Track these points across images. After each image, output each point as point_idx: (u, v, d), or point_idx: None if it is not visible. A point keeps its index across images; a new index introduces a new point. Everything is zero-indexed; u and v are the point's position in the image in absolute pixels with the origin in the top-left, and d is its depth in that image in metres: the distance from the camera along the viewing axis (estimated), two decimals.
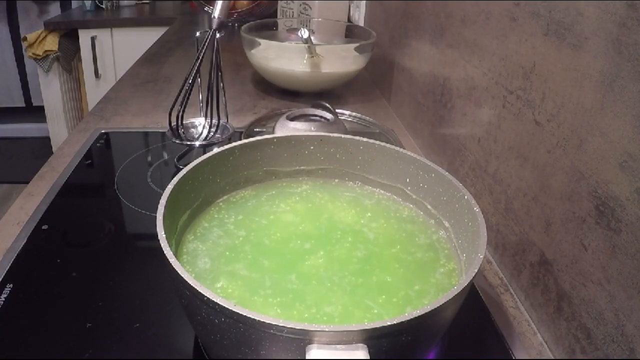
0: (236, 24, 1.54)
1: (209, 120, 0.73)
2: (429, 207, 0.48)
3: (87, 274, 0.51)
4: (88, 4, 2.14)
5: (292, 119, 0.71)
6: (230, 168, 0.50)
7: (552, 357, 0.45)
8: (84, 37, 2.00)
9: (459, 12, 0.64)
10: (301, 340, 0.30)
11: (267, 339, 0.31)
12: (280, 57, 0.96)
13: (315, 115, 0.73)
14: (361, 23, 1.25)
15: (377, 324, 0.30)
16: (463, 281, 0.33)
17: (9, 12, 2.36)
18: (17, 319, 0.45)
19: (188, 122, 0.76)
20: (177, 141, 0.71)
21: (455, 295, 0.32)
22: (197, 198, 0.47)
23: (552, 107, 0.45)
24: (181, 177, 0.43)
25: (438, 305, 0.31)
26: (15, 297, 0.47)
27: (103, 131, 0.82)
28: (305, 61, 0.94)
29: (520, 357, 0.44)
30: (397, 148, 0.50)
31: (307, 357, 0.30)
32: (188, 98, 0.69)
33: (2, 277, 0.49)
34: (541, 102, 0.46)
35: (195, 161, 0.46)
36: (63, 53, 2.06)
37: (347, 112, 0.89)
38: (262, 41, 0.97)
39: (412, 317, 0.30)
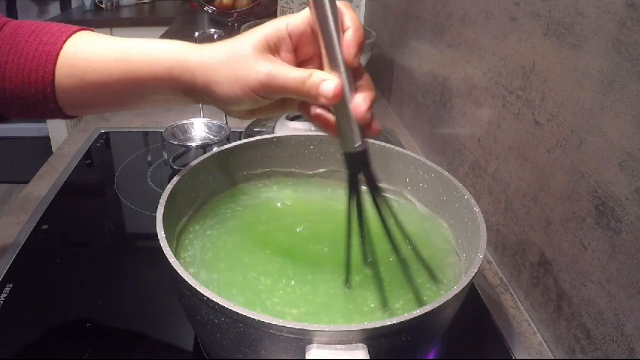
0: (236, 24, 1.54)
1: (206, 121, 0.74)
2: (429, 207, 0.48)
3: (87, 274, 0.51)
4: (88, 3, 2.14)
5: (292, 119, 0.71)
6: (230, 168, 0.50)
7: (552, 357, 0.45)
8: None
9: (459, 12, 0.64)
10: (301, 340, 0.30)
11: (267, 339, 0.31)
12: None
13: None
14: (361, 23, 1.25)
15: (377, 324, 0.30)
16: (463, 281, 0.33)
17: (9, 12, 2.36)
18: (17, 319, 0.45)
19: (185, 122, 0.75)
20: (173, 142, 0.71)
21: (455, 295, 0.32)
22: (197, 198, 0.47)
23: (552, 107, 0.45)
24: (181, 177, 0.43)
25: (438, 305, 0.31)
26: (15, 297, 0.47)
27: (103, 131, 0.82)
28: None
29: (520, 357, 0.44)
30: (397, 148, 0.50)
31: (307, 357, 0.30)
32: None
33: (2, 277, 0.49)
34: (541, 102, 0.46)
35: (195, 161, 0.46)
36: None
37: None
38: None
39: (412, 317, 0.30)
